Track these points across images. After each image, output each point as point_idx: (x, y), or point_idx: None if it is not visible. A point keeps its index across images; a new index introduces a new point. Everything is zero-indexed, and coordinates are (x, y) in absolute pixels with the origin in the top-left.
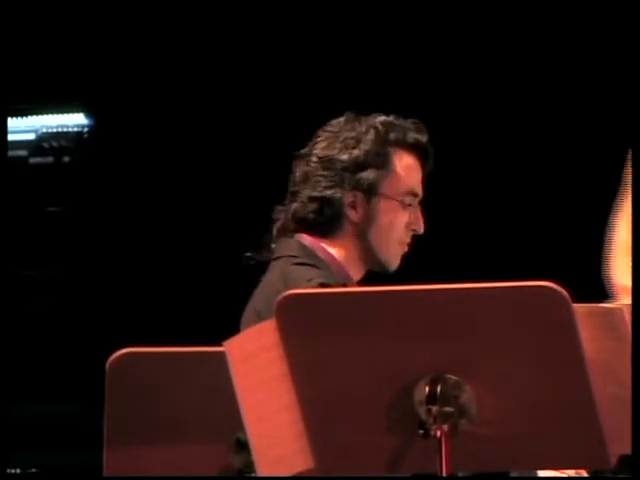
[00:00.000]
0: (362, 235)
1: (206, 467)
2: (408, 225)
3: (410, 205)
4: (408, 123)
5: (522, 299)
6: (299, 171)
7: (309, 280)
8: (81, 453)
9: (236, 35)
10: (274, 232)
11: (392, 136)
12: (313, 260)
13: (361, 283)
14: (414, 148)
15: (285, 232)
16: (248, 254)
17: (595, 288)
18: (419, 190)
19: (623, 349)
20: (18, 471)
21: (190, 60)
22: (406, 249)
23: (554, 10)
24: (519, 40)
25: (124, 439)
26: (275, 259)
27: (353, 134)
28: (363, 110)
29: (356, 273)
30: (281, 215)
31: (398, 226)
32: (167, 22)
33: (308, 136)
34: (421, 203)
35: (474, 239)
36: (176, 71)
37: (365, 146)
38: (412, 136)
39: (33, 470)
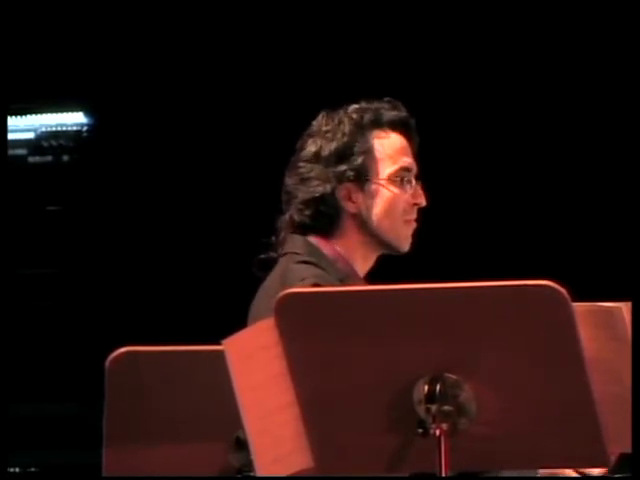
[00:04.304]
0: (365, 224)
1: (205, 466)
2: (409, 201)
3: (406, 180)
4: (382, 103)
5: (522, 298)
6: (289, 180)
7: (302, 280)
8: (80, 452)
9: (237, 34)
10: (279, 242)
11: (367, 119)
12: (316, 258)
13: (370, 275)
14: (393, 125)
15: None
16: (260, 256)
17: (595, 287)
18: (410, 164)
19: (622, 348)
20: (17, 470)
21: (189, 58)
22: (414, 225)
23: (554, 9)
24: (518, 36)
25: (123, 438)
26: (282, 255)
27: (329, 127)
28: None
29: (365, 264)
30: (282, 224)
31: (398, 205)
32: (166, 21)
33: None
34: (418, 176)
35: (474, 239)
36: (175, 70)
37: (343, 136)
38: (387, 114)
39: (32, 469)
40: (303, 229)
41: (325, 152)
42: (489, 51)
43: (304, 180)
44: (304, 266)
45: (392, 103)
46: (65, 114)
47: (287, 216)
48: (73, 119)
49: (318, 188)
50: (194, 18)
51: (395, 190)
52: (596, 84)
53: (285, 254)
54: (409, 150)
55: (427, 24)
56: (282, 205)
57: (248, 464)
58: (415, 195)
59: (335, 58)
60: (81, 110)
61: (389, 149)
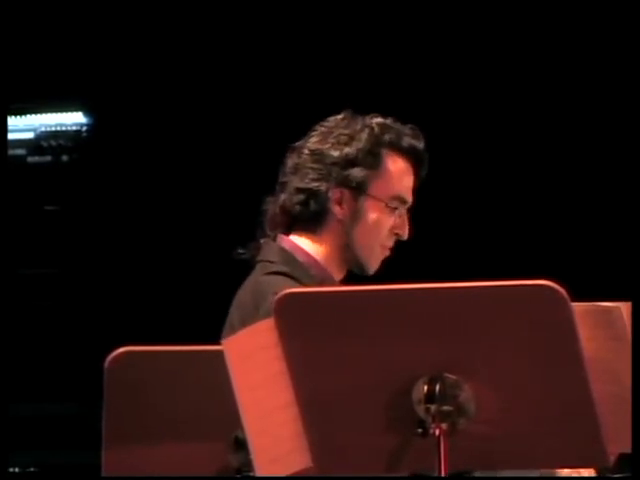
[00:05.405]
0: (345, 233)
1: (204, 466)
2: (392, 229)
3: (396, 209)
4: (405, 128)
5: (521, 298)
6: (290, 162)
7: (274, 293)
8: (80, 452)
9: (234, 31)
10: (264, 225)
11: (386, 138)
12: (290, 266)
13: (344, 282)
14: (408, 153)
15: (275, 225)
16: (239, 250)
17: (594, 287)
18: (408, 196)
19: (621, 348)
20: (17, 470)
21: (188, 58)
22: (387, 253)
23: (554, 10)
24: (518, 42)
25: (122, 438)
26: (258, 262)
27: (347, 131)
28: (358, 109)
29: (338, 272)
30: (270, 206)
31: (382, 228)
32: (164, 20)
33: (303, 135)
34: (410, 210)
35: (473, 238)
36: (174, 69)
37: (358, 144)
38: (407, 141)
39: (32, 469)
40: (290, 218)
41: (335, 153)
42: (487, 53)
43: (303, 169)
44: (274, 278)
45: (415, 132)
46: (64, 114)
47: (280, 198)
48: (72, 119)
49: (313, 183)
50: (194, 18)
51: (385, 214)
52: (596, 84)
53: (260, 261)
54: (411, 182)
55: (425, 29)
56: (276, 185)
57: (247, 464)
58: (400, 226)
59: (331, 58)
60: (80, 110)
61: (395, 174)
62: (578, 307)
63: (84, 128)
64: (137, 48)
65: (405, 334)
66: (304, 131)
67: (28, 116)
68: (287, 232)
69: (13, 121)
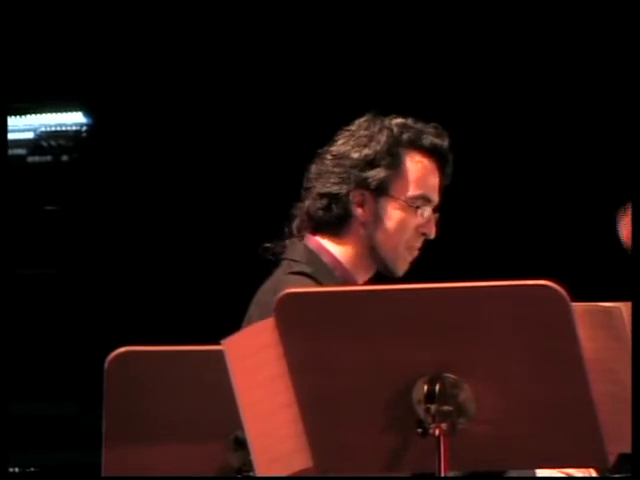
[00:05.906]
0: (369, 235)
1: (204, 466)
2: (418, 229)
3: (419, 208)
4: (427, 126)
5: (521, 298)
6: (314, 168)
7: None
8: (79, 452)
9: (235, 31)
10: (292, 228)
11: (405, 137)
12: (314, 266)
13: (368, 283)
14: (430, 151)
15: (300, 229)
16: (266, 245)
17: (594, 287)
18: (433, 195)
19: (621, 348)
20: (17, 470)
21: (188, 59)
22: (415, 254)
23: (559, 13)
24: (526, 48)
25: (122, 438)
26: (283, 259)
27: (367, 133)
28: (386, 111)
29: (364, 274)
30: (297, 212)
31: (406, 229)
32: (165, 20)
33: (307, 136)
34: (436, 209)
35: (474, 239)
36: (174, 69)
37: (377, 145)
38: (429, 139)
39: (32, 469)
40: (315, 222)
41: (354, 155)
42: (490, 53)
43: (325, 174)
44: (296, 278)
45: (438, 130)
46: (64, 114)
47: (305, 204)
48: (72, 119)
49: (334, 187)
50: (193, 18)
51: (408, 214)
52: (596, 85)
53: (285, 259)
54: (436, 180)
55: (430, 31)
56: (302, 190)
57: (247, 464)
58: (426, 225)
59: (330, 58)
60: (80, 110)
61: (417, 173)
62: (578, 307)
63: (84, 128)
64: (137, 48)
65: (405, 334)
66: (303, 131)
67: (28, 116)
68: (313, 234)
69: (13, 121)
